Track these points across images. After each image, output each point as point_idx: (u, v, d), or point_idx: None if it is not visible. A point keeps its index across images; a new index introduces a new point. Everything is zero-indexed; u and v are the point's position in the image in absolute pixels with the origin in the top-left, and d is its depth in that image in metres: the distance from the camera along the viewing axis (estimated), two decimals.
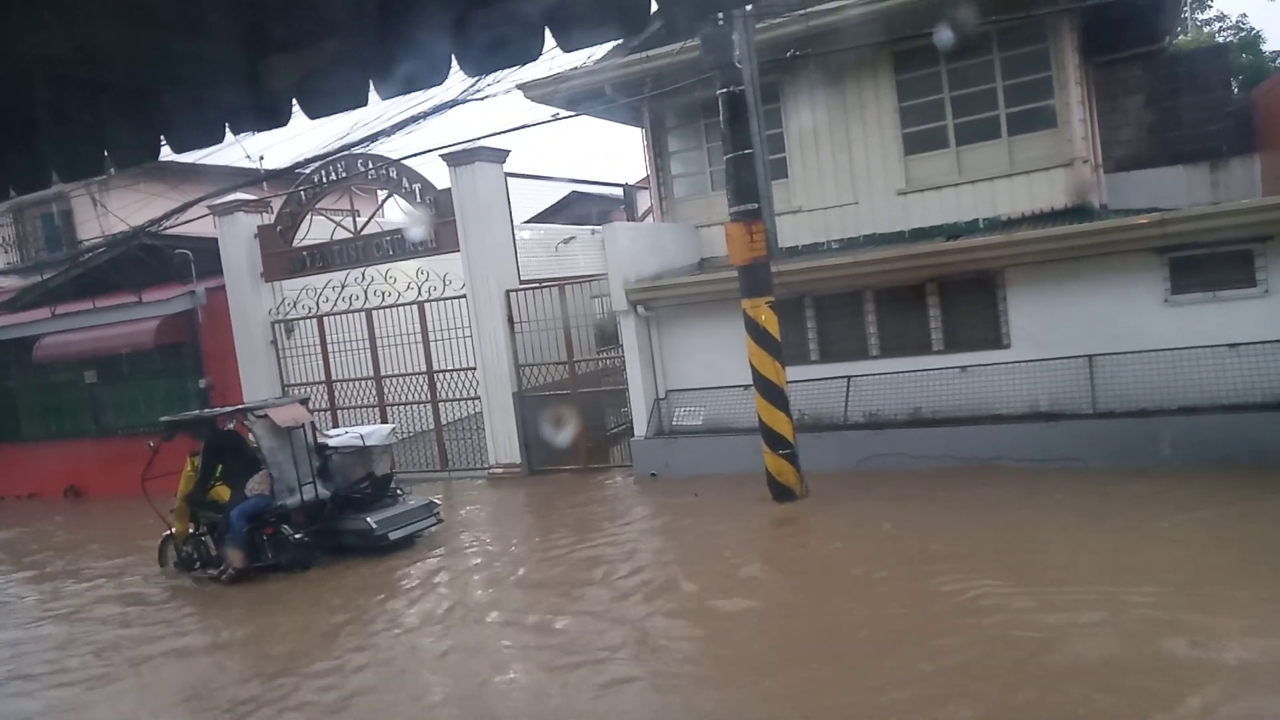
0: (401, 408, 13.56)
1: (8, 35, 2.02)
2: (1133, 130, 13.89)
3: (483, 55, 2.23)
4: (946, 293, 10.13)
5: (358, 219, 13.70)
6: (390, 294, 13.12)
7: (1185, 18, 20.92)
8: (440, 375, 13.20)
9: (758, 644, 5.98)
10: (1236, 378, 8.70)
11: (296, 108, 2.42)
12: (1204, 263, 8.93)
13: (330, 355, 13.96)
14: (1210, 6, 23.48)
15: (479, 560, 8.77)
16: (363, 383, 13.86)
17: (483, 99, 10.84)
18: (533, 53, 2.19)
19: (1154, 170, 13.28)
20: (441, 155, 12.14)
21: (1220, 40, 21.16)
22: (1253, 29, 22.44)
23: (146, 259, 14.70)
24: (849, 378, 10.38)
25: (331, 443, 9.47)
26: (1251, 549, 6.40)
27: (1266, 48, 20.88)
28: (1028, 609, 5.77)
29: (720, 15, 8.39)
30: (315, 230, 13.92)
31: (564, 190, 19.87)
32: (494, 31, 2.15)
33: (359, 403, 13.92)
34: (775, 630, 6.21)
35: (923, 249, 9.85)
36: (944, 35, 9.62)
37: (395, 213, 14.12)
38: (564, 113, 12.65)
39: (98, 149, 2.56)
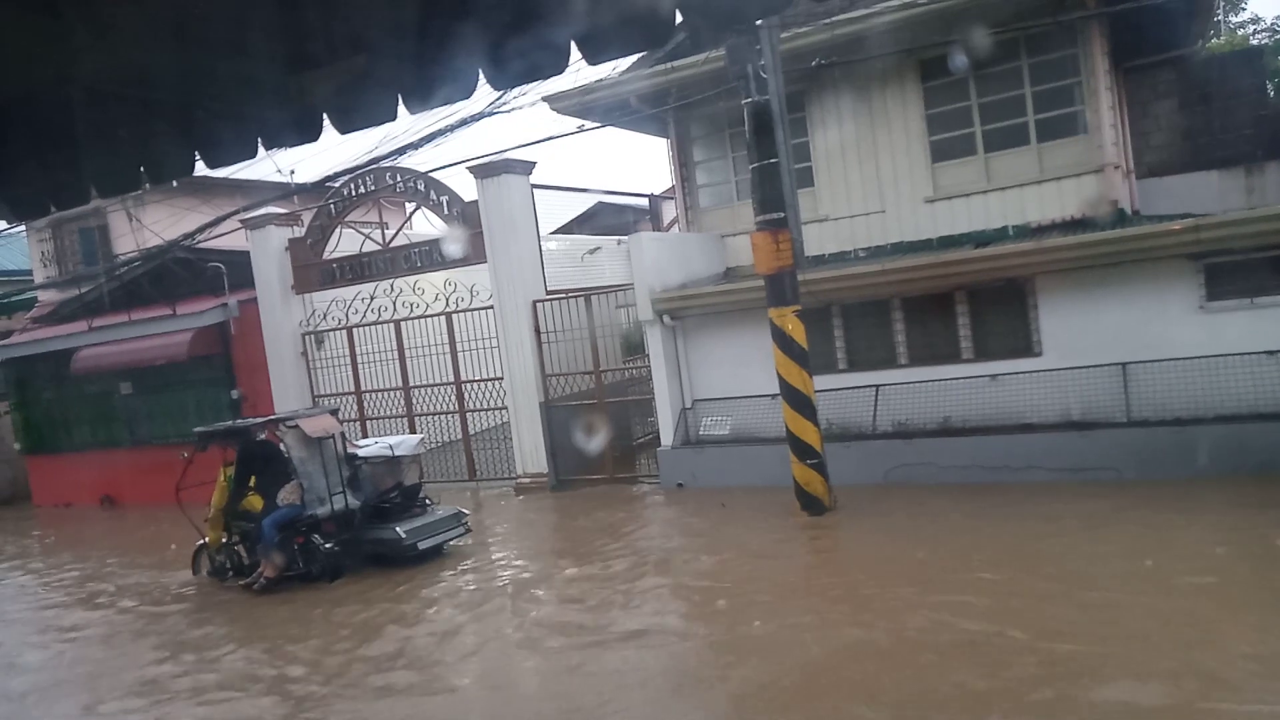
0: (430, 418, 13.67)
1: (51, 55, 2.08)
2: (1165, 135, 13.68)
3: (510, 70, 2.26)
4: (976, 301, 10.03)
5: (386, 231, 13.85)
6: (418, 305, 13.24)
7: (1218, 21, 20.61)
8: (468, 385, 13.29)
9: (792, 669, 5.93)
10: (1276, 385, 8.53)
11: (327, 123, 2.46)
12: (1240, 269, 8.78)
13: (359, 366, 14.11)
14: (1244, 9, 23.15)
15: (507, 571, 8.79)
16: (391, 393, 13.98)
17: (509, 112, 10.95)
18: (559, 66, 2.21)
19: (1187, 176, 13.07)
20: (469, 168, 12.26)
21: (1254, 43, 20.83)
22: None
23: (180, 272, 14.97)
24: (877, 387, 10.31)
25: (361, 453, 9.55)
26: None
27: None
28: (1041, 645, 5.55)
29: (745, 25, 8.40)
30: (345, 243, 14.10)
31: (590, 201, 19.96)
32: (521, 46, 2.17)
33: (388, 413, 14.04)
34: (807, 658, 6.15)
35: (951, 257, 9.77)
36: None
37: (423, 225, 14.28)
38: (590, 124, 12.72)
39: (135, 165, 2.62)
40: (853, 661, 5.59)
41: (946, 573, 6.92)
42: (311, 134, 2.49)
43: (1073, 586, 6.26)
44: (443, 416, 13.60)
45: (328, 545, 8.87)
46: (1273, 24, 22.76)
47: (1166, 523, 7.42)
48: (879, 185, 11.56)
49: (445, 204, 12.76)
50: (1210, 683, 4.70)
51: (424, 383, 13.60)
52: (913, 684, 5.14)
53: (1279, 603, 5.68)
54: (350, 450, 9.54)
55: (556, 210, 18.11)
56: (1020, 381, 9.64)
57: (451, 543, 9.55)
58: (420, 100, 2.34)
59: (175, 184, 15.80)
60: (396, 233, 13.71)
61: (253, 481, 9.36)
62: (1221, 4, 20.79)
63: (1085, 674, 4.92)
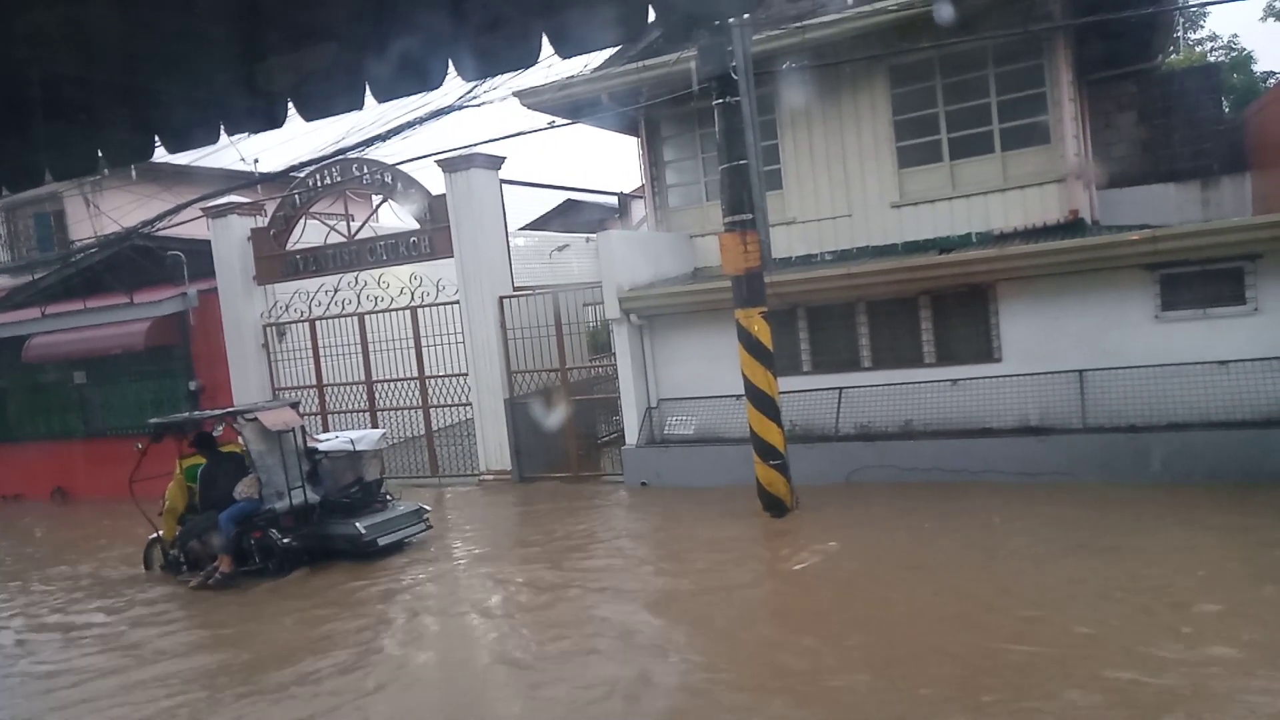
0: (393, 413, 13.52)
1: (4, 33, 2.02)
2: (1125, 147, 13.98)
3: (480, 61, 2.24)
4: (939, 306, 10.16)
5: (352, 223, 13.69)
6: (383, 299, 13.10)
7: (1178, 37, 21.10)
8: (432, 380, 13.17)
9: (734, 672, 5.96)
10: (1226, 395, 8.74)
11: (292, 110, 2.41)
12: (1194, 280, 8.98)
13: (322, 359, 13.93)
14: (1202, 26, 23.71)
15: (467, 568, 8.72)
16: (354, 387, 13.82)
17: (479, 105, 10.85)
18: (530, 59, 2.19)
19: (1146, 187, 13.38)
20: (437, 161, 12.16)
21: (1212, 60, 21.35)
22: (1244, 49, 22.67)
23: (139, 260, 14.65)
24: (841, 389, 10.39)
25: (321, 447, 9.42)
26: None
27: (1257, 68, 21.10)
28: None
29: (717, 24, 8.41)
30: (309, 234, 13.91)
31: (559, 198, 19.93)
32: (491, 37, 2.15)
33: (350, 407, 13.88)
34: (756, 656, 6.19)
35: (915, 262, 9.88)
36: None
37: (390, 217, 14.13)
38: (560, 120, 12.67)
39: (92, 148, 2.55)
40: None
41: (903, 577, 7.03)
42: (275, 121, 2.45)
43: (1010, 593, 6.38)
44: (406, 411, 13.47)
45: (285, 540, 8.74)
46: (1230, 41, 23.30)
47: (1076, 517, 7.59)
48: (846, 189, 11.66)
49: (412, 197, 12.64)
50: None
51: (388, 377, 13.46)
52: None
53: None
54: (310, 444, 9.41)
55: (525, 206, 18.08)
56: (980, 386, 9.78)
57: (412, 539, 9.46)
58: (387, 89, 2.31)
59: (134, 169, 15.49)
60: (362, 225, 13.56)
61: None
62: (1181, 21, 21.27)
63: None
